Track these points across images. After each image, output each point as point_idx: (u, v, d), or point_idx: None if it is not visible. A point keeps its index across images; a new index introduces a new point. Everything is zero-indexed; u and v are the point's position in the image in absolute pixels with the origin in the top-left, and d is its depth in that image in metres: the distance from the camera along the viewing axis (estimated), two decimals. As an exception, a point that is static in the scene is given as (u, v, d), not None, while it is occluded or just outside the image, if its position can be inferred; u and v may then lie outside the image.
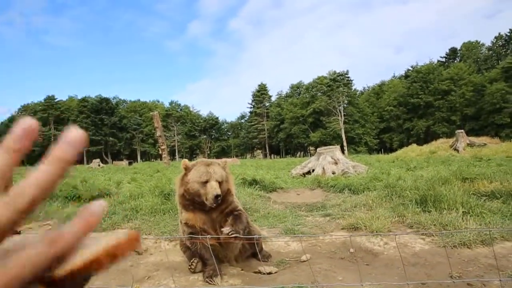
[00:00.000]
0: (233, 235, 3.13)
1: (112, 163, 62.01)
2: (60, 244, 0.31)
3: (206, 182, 3.22)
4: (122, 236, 0.35)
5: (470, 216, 4.83)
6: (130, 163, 52.31)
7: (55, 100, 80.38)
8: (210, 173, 3.24)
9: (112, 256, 0.33)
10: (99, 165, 38.30)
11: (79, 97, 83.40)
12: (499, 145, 27.86)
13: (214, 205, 3.21)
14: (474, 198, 5.61)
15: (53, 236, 0.31)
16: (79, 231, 0.32)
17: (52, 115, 77.87)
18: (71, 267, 0.31)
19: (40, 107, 79.23)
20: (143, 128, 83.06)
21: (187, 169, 3.39)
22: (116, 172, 22.19)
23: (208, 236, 3.26)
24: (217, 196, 3.14)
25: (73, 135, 0.33)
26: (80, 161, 72.57)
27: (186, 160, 3.53)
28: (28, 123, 0.32)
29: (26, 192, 0.30)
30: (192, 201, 3.35)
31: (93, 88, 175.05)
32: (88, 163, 53.71)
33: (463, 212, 4.93)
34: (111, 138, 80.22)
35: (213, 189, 3.16)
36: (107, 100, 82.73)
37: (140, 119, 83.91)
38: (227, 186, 3.46)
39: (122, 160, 67.64)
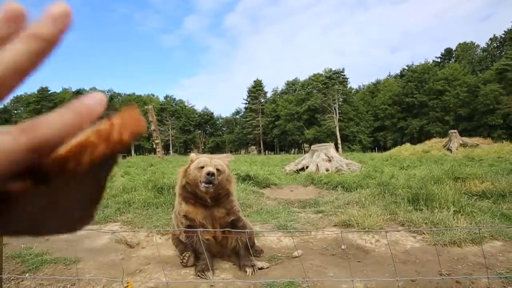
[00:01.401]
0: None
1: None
2: (35, 133, 0.25)
3: (202, 167, 3.25)
4: (118, 116, 0.29)
5: (461, 215, 4.88)
6: (124, 157, 52.00)
7: (49, 92, 79.53)
8: (209, 162, 3.30)
9: (106, 137, 0.28)
10: (92, 158, 38.05)
11: (73, 90, 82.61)
12: (491, 145, 28.11)
13: (206, 186, 3.18)
14: (465, 198, 5.67)
15: (27, 124, 0.26)
16: (65, 122, 0.27)
17: (46, 107, 77.00)
18: (55, 154, 0.27)
19: (33, 99, 78.36)
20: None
21: (192, 161, 3.44)
22: (109, 166, 22.02)
23: (204, 230, 3.27)
24: (208, 173, 3.14)
25: (57, 9, 0.27)
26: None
27: (193, 154, 3.57)
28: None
29: None
30: (194, 194, 3.36)
31: (88, 81, 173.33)
32: (81, 156, 53.25)
33: (454, 211, 4.98)
34: (105, 131, 79.79)
35: (207, 169, 3.17)
36: (102, 93, 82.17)
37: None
38: (228, 185, 3.47)
39: (115, 153, 67.00)
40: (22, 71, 0.26)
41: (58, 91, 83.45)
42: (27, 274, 3.38)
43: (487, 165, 12.89)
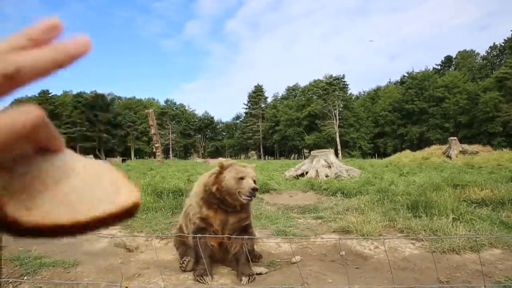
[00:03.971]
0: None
1: (105, 159, 61.64)
2: (14, 60, 0.28)
3: (242, 178, 3.29)
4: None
5: (460, 222, 4.88)
6: (123, 160, 51.98)
7: (50, 95, 79.56)
8: (247, 172, 3.35)
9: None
10: (92, 162, 37.99)
11: (74, 93, 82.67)
12: (491, 153, 28.10)
13: (248, 199, 3.26)
14: (464, 205, 5.67)
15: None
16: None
17: (46, 110, 76.23)
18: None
19: (34, 101, 78.41)
20: (138, 126, 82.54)
21: (222, 168, 3.45)
22: (109, 169, 22.00)
23: (213, 236, 3.30)
24: (254, 189, 3.23)
25: (82, 38, 0.33)
26: (72, 157, 71.96)
27: (222, 159, 3.61)
28: (52, 20, 0.32)
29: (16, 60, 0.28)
30: (221, 200, 3.39)
31: (88, 84, 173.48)
32: (81, 159, 53.06)
33: (453, 218, 4.98)
34: (105, 135, 79.65)
35: (250, 183, 3.25)
36: (102, 96, 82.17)
37: (135, 116, 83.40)
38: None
39: (115, 157, 67.22)
40: (38, 72, 0.30)
41: (58, 93, 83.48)
42: (25, 277, 3.38)
43: (487, 172, 12.89)
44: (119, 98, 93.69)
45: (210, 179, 3.49)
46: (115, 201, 0.33)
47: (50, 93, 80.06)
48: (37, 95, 79.09)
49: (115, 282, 3.10)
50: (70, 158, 0.36)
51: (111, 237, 4.87)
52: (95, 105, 79.09)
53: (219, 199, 3.39)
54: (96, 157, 56.95)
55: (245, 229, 3.57)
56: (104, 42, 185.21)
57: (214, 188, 3.40)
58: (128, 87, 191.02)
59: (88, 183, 0.35)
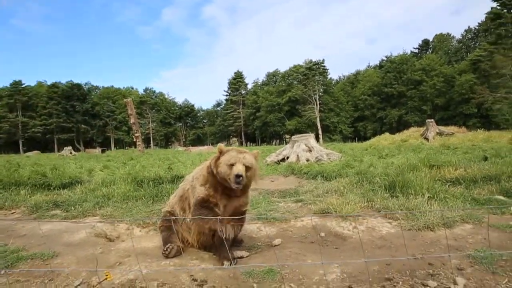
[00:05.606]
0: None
1: (84, 151, 60.43)
2: None
3: (233, 164, 3.31)
4: None
5: (435, 201, 5.04)
6: (103, 151, 51.14)
7: (22, 86, 76.80)
8: (239, 158, 3.35)
9: None
10: (70, 153, 37.18)
11: (49, 83, 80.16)
12: (466, 134, 28.96)
13: (236, 186, 3.28)
14: (439, 184, 5.85)
15: None
16: None
17: (20, 101, 74.48)
18: None
19: (6, 93, 75.60)
20: (117, 115, 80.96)
21: (221, 153, 3.48)
22: (88, 160, 21.64)
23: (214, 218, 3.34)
24: (237, 175, 3.22)
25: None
26: (50, 149, 70.28)
27: (222, 145, 3.65)
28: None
29: None
30: (222, 185, 3.43)
31: (64, 74, 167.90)
32: (59, 151, 51.88)
33: (428, 197, 5.13)
34: (83, 126, 77.87)
35: (237, 169, 3.24)
36: (78, 86, 79.98)
37: (113, 106, 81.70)
38: (254, 177, 3.56)
39: (95, 147, 66.01)
40: None
41: (32, 84, 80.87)
42: (2, 271, 3.31)
43: (462, 153, 13.28)
44: (97, 87, 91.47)
45: (212, 162, 3.53)
46: None
47: (23, 84, 77.35)
48: (9, 86, 76.25)
49: (95, 270, 3.08)
50: None
51: (92, 227, 4.83)
52: (71, 96, 76.96)
53: (220, 183, 3.44)
54: (75, 148, 55.66)
55: (241, 214, 3.63)
56: (79, 30, 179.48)
57: (215, 171, 3.45)
58: (106, 76, 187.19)
59: None
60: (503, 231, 3.76)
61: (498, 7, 46.46)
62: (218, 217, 3.17)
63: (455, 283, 2.63)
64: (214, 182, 3.50)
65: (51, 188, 7.95)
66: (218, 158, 3.47)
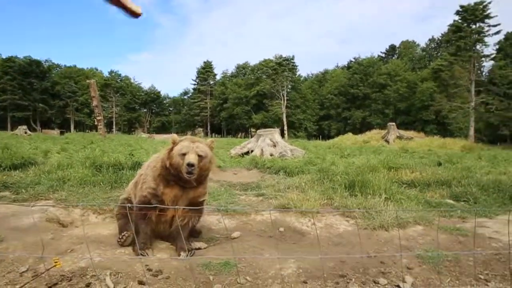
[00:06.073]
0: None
1: (41, 131, 57.57)
2: None
3: (185, 154, 3.21)
4: None
5: (391, 201, 5.23)
6: (62, 133, 48.99)
7: (-26, 57, 71.61)
8: (192, 147, 3.25)
9: None
10: (25, 133, 35.13)
11: (4, 56, 75.09)
12: (424, 139, 30.40)
13: (188, 176, 3.18)
14: (396, 186, 6.09)
15: None
16: None
17: (-29, 74, 69.48)
18: None
19: (-44, 63, 70.20)
20: (79, 97, 77.35)
21: (174, 144, 3.36)
22: (45, 141, 20.63)
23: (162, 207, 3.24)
24: (189, 164, 3.12)
25: None
26: (3, 127, 66.14)
27: (175, 135, 3.49)
28: None
29: None
30: (177, 176, 3.31)
31: (21, 48, 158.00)
32: (12, 129, 48.97)
33: (385, 197, 5.32)
34: (41, 105, 73.65)
35: (189, 158, 3.15)
36: (38, 62, 75.44)
37: (75, 87, 77.94)
38: (210, 166, 3.47)
39: (53, 129, 62.99)
40: None
41: (-14, 57, 75.47)
42: None
43: (418, 157, 13.92)
44: (58, 66, 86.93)
45: (165, 154, 3.42)
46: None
47: (-24, 55, 72.00)
48: (-40, 56, 70.74)
49: (45, 257, 2.93)
50: None
51: (43, 212, 4.60)
52: (29, 72, 72.60)
53: (174, 175, 3.33)
54: (31, 128, 52.88)
55: (198, 205, 3.53)
56: (41, 3, 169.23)
57: (167, 163, 3.34)
58: (68, 55, 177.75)
59: None
60: (451, 233, 3.97)
61: (460, 20, 48.77)
62: (175, 207, 3.12)
63: (403, 281, 2.75)
64: (166, 174, 3.40)
65: (1, 168, 7.49)
66: (172, 149, 3.38)
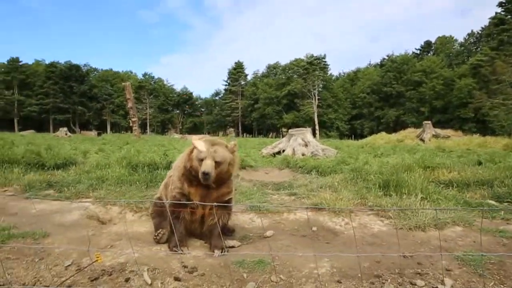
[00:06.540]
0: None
1: (80, 132, 60.11)
2: None
3: (202, 160, 3.24)
4: None
5: (427, 201, 5.07)
6: (99, 134, 50.87)
7: (20, 63, 75.80)
8: (209, 152, 3.26)
9: None
10: (66, 134, 36.91)
11: (47, 62, 79.16)
12: (462, 138, 29.14)
13: (205, 182, 3.25)
14: (433, 185, 5.89)
15: None
16: None
17: (17, 79, 73.58)
18: None
19: (2, 69, 74.61)
20: (114, 99, 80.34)
21: (195, 146, 3.40)
22: (83, 142, 21.56)
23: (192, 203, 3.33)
24: (204, 173, 3.16)
25: None
26: (46, 129, 69.74)
27: (196, 137, 3.55)
28: None
29: None
30: (197, 177, 3.36)
31: (62, 54, 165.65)
32: (54, 131, 51.49)
33: (421, 197, 5.16)
34: (80, 107, 77.13)
35: (205, 165, 3.18)
36: (77, 67, 79.07)
37: (111, 89, 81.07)
38: (230, 169, 3.50)
39: (91, 130, 65.65)
40: None
41: (30, 62, 79.83)
42: (-8, 248, 3.31)
43: (456, 156, 13.35)
44: (95, 70, 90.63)
45: (185, 156, 3.50)
46: None
47: (21, 61, 76.38)
48: (6, 62, 75.27)
49: (86, 252, 3.08)
50: None
51: (84, 209, 4.82)
52: (69, 76, 76.18)
53: (195, 176, 3.39)
54: (71, 130, 55.36)
55: (227, 203, 3.57)
56: (79, 11, 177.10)
57: (188, 165, 3.41)
58: (105, 59, 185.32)
59: None
60: (493, 235, 3.79)
61: (503, 13, 46.40)
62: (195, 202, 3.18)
63: (442, 283, 2.66)
64: (188, 174, 3.46)
65: (45, 168, 7.92)
66: (191, 151, 3.42)
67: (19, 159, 8.16)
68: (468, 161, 9.83)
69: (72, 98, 75.93)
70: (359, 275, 2.80)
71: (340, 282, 2.74)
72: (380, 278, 2.79)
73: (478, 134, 33.43)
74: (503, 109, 45.18)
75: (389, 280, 2.76)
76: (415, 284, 2.69)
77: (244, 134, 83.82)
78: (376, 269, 2.94)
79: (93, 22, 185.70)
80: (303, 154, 12.93)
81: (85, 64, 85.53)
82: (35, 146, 12.79)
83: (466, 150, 18.09)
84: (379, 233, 4.05)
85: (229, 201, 3.65)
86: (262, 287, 2.68)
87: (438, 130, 30.46)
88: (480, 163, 9.17)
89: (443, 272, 2.84)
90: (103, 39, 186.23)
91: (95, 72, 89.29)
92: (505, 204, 5.45)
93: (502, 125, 50.16)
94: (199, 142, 3.38)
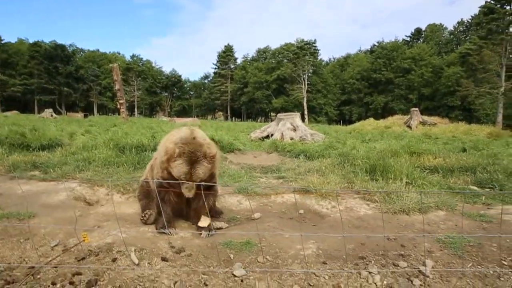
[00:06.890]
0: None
1: (66, 114, 59.06)
2: None
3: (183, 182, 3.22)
4: None
5: (412, 186, 5.18)
6: (85, 116, 50.16)
7: (2, 42, 73.35)
8: (190, 174, 3.19)
9: None
10: (51, 115, 36.25)
11: (31, 41, 76.70)
12: (448, 125, 29.52)
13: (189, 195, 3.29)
14: (418, 171, 5.98)
15: None
16: None
17: (-1, 58, 71.37)
18: None
19: (-17, 47, 72.17)
20: (102, 81, 78.77)
21: (173, 154, 3.22)
22: (70, 124, 21.19)
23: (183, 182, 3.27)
24: (187, 195, 3.26)
25: None
26: (30, 110, 68.21)
27: (173, 143, 3.29)
28: None
29: None
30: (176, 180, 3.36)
31: (46, 32, 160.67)
32: (39, 112, 50.42)
33: (406, 182, 5.26)
34: (65, 88, 75.35)
35: (187, 191, 3.22)
36: (62, 47, 76.84)
37: (98, 71, 79.39)
38: (213, 171, 3.53)
39: (77, 112, 64.57)
40: None
41: (13, 41, 77.32)
42: (-24, 228, 3.26)
43: (442, 143, 13.58)
44: (82, 50, 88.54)
45: (164, 159, 3.34)
46: None
47: (3, 39, 73.81)
48: (-13, 40, 72.71)
49: (73, 233, 3.07)
50: None
51: (71, 190, 4.78)
52: (54, 56, 74.13)
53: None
54: (56, 111, 54.35)
55: (210, 186, 3.55)
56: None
57: (166, 173, 3.39)
58: (91, 39, 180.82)
59: None
60: (474, 219, 3.90)
61: (492, 2, 46.52)
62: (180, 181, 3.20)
63: (424, 264, 2.74)
64: (170, 177, 3.40)
65: (30, 149, 7.79)
66: (171, 158, 3.25)
67: (3, 139, 8.01)
68: (453, 148, 10.02)
69: (58, 79, 74.04)
70: (344, 256, 2.86)
71: (326, 263, 2.79)
72: (365, 260, 2.85)
73: (464, 122, 33.89)
74: (489, 97, 45.92)
75: (373, 261, 2.83)
76: (398, 265, 2.76)
77: (233, 118, 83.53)
78: (360, 251, 3.00)
79: (79, 0, 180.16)
80: (291, 139, 12.98)
81: (70, 44, 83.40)
82: (19, 126, 12.52)
83: (451, 137, 18.40)
84: (364, 217, 4.12)
85: (214, 182, 3.61)
86: (249, 267, 2.71)
87: (425, 117, 30.80)
88: (464, 150, 9.36)
89: (425, 254, 2.92)
90: (89, 19, 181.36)
91: (82, 53, 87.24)
92: (487, 189, 5.60)
93: (487, 113, 51.09)
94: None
